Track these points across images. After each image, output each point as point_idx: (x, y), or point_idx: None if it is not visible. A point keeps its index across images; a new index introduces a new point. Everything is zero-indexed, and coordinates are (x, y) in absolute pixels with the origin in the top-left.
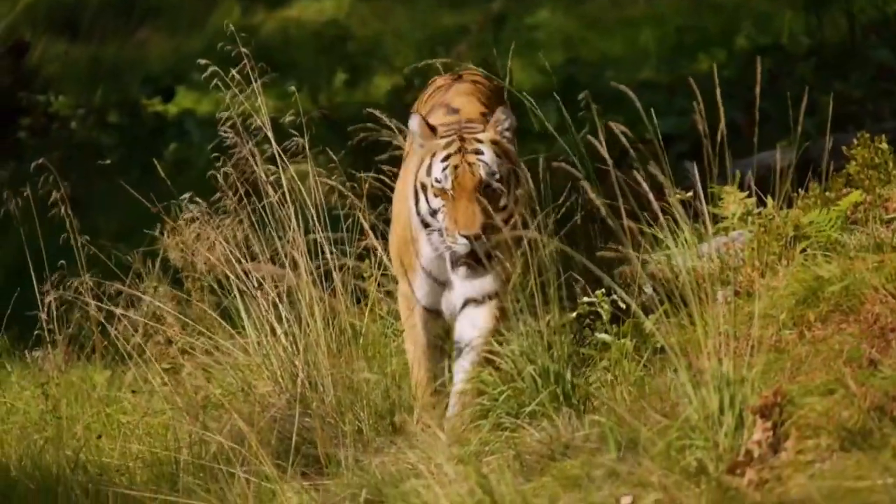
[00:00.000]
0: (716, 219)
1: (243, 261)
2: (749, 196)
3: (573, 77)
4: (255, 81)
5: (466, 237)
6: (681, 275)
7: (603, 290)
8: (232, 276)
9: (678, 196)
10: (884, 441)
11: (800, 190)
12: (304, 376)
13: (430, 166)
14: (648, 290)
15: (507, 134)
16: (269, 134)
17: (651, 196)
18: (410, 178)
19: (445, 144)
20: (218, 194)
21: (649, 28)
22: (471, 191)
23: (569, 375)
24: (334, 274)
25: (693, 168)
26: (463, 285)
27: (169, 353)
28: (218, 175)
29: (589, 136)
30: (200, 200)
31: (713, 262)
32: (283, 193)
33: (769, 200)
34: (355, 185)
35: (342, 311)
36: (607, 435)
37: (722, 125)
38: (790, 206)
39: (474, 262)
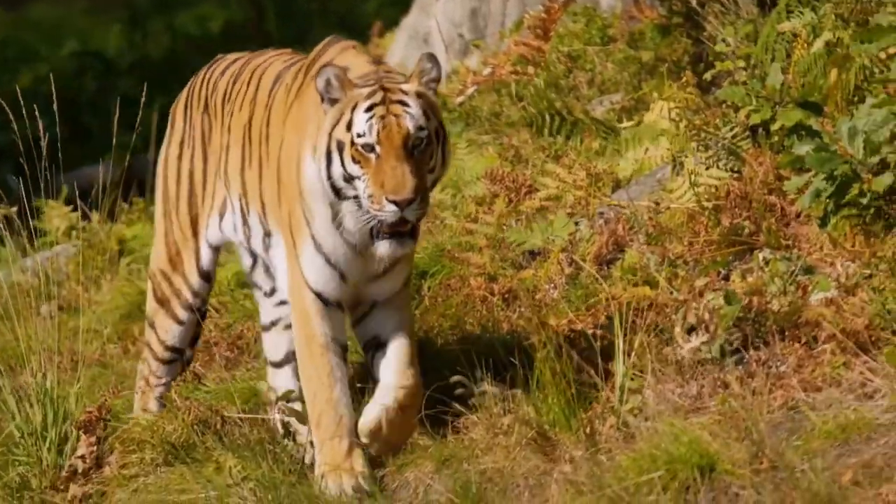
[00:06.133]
0: (40, 233)
1: None
2: (74, 210)
3: None
4: None
5: (396, 202)
6: (2, 289)
7: None
8: None
9: (2, 211)
10: (207, 454)
11: (124, 204)
12: None
13: (350, 121)
14: None
15: (433, 86)
16: None
17: None
18: (314, 140)
19: (368, 94)
20: None
21: None
22: (399, 147)
23: None
24: None
25: (18, 182)
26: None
27: None
28: None
29: None
30: None
31: (37, 277)
32: None
33: (94, 215)
34: None
35: None
36: None
37: (43, 139)
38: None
39: (403, 233)
